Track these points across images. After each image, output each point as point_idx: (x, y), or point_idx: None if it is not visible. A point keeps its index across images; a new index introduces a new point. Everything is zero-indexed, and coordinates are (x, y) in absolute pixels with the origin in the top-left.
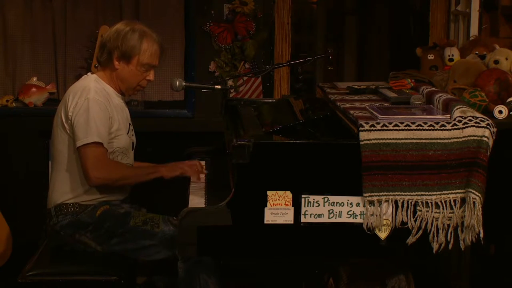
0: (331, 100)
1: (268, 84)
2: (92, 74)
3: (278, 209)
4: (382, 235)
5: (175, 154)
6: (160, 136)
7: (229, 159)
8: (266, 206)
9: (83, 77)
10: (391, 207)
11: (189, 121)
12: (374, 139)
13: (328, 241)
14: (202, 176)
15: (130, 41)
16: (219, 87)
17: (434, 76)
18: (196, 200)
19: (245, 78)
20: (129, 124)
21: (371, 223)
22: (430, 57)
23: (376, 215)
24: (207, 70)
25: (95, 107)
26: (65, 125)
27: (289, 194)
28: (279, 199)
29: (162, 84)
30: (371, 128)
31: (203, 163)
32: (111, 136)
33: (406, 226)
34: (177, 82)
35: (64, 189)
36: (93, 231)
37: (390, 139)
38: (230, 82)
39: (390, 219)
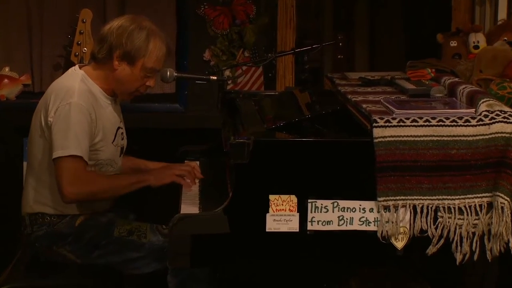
0: (341, 92)
1: (270, 75)
2: (77, 66)
3: (281, 216)
4: (399, 244)
5: (165, 153)
6: (148, 133)
7: (227, 159)
8: (268, 212)
9: (69, 71)
10: (408, 213)
11: (181, 117)
12: (389, 137)
13: (338, 251)
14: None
15: (136, 40)
16: (215, 78)
17: (457, 65)
18: (189, 206)
19: (244, 67)
20: (118, 128)
21: (387, 231)
22: (453, 44)
23: (392, 222)
24: (202, 59)
25: (77, 114)
26: (44, 128)
27: (293, 198)
28: (282, 204)
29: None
30: (386, 124)
31: (196, 164)
32: (95, 148)
33: (426, 234)
34: (168, 73)
35: (38, 197)
36: (73, 243)
37: (407, 136)
38: (227, 73)
39: (408, 227)
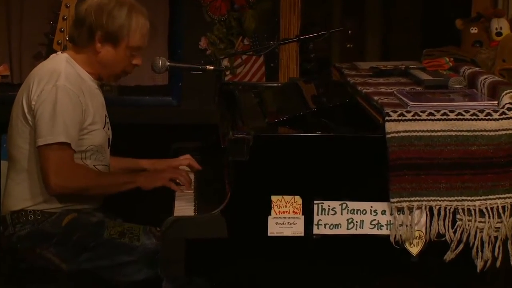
0: (350, 83)
1: (272, 65)
2: (59, 52)
3: (284, 218)
4: (414, 250)
5: (156, 151)
6: (138, 129)
7: (225, 156)
8: (270, 214)
9: (51, 56)
10: (424, 215)
11: (175, 111)
12: (403, 131)
13: (347, 257)
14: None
15: (117, 19)
16: (212, 67)
17: (478, 54)
18: (184, 207)
19: (243, 57)
20: (106, 116)
21: (400, 235)
22: (473, 30)
23: (407, 225)
24: (197, 48)
25: (64, 98)
26: (27, 116)
27: (298, 199)
28: (286, 206)
29: (141, 65)
30: (400, 118)
31: (189, 156)
32: (84, 132)
33: (444, 238)
34: (160, 62)
35: (23, 193)
36: (58, 245)
37: (423, 131)
38: (225, 62)
39: (424, 231)
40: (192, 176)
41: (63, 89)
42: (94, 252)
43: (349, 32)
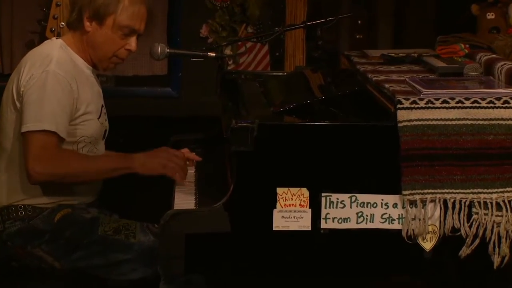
0: (360, 71)
1: (277, 54)
2: (54, 38)
3: (291, 212)
4: (427, 245)
5: (155, 144)
6: (136, 121)
7: (227, 147)
8: (275, 207)
9: (46, 41)
10: (438, 208)
11: (174, 102)
12: (416, 120)
13: (356, 253)
14: (191, 172)
15: None
16: (214, 54)
17: (495, 40)
18: (184, 201)
19: (247, 45)
20: (102, 106)
21: (413, 229)
22: (490, 16)
23: (419, 219)
24: (198, 36)
25: (54, 83)
26: (16, 102)
27: (305, 192)
28: (292, 199)
29: (139, 54)
30: (413, 106)
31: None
32: (76, 122)
33: (459, 233)
34: (159, 48)
35: (12, 186)
36: (50, 242)
37: (437, 119)
38: (228, 51)
39: (437, 225)
40: (192, 169)
41: (54, 75)
42: (87, 250)
43: (359, 22)
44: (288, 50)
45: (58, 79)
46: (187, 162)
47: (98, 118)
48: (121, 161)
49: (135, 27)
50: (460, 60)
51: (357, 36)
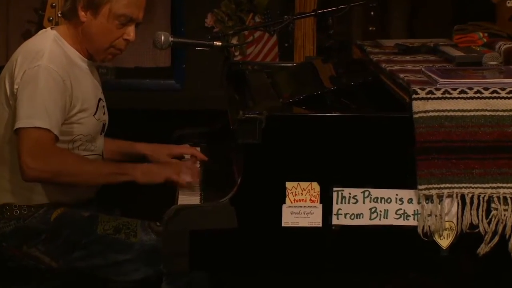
0: (373, 61)
1: (286, 45)
2: (49, 28)
3: (300, 207)
4: (444, 242)
5: (157, 138)
6: (138, 115)
7: (234, 140)
8: (284, 202)
9: (39, 32)
10: (455, 204)
11: (178, 95)
12: (432, 111)
13: (369, 251)
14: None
15: None
16: (220, 43)
17: None
18: (189, 196)
19: (255, 34)
20: (99, 100)
21: (429, 226)
22: (510, 4)
23: (436, 215)
24: (203, 25)
25: (47, 79)
26: (10, 99)
27: (316, 186)
28: (302, 193)
29: (141, 44)
30: (429, 96)
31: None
32: (70, 121)
33: (477, 230)
34: (162, 37)
35: (5, 185)
36: (47, 242)
37: (454, 110)
38: (234, 42)
39: (455, 221)
40: (197, 165)
41: (46, 70)
42: (86, 250)
43: (372, 14)
44: (298, 40)
45: (51, 74)
46: (192, 158)
47: (94, 115)
48: (121, 167)
49: (132, 16)
50: (478, 49)
51: (370, 28)
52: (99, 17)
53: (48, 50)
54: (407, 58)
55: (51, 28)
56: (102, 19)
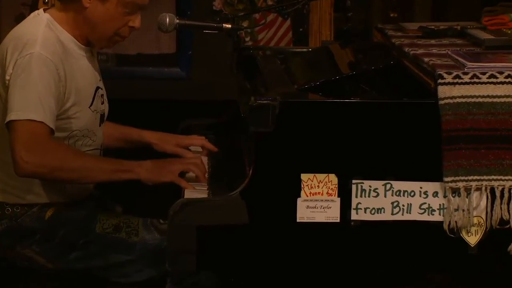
0: (395, 45)
1: (301, 30)
2: (41, 10)
3: (317, 201)
4: (472, 239)
5: (162, 131)
6: (140, 105)
7: (245, 128)
8: (299, 196)
9: (30, 16)
10: (485, 197)
11: (183, 84)
12: (459, 97)
13: (391, 248)
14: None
15: None
16: (229, 26)
17: None
18: (196, 189)
19: (267, 18)
20: (97, 89)
21: (456, 221)
22: None
23: (463, 210)
24: (211, 9)
25: (40, 68)
26: (1, 91)
27: (333, 178)
28: (318, 186)
29: (144, 29)
30: (456, 81)
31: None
32: (66, 115)
33: (508, 226)
34: (167, 19)
35: None
36: (42, 242)
37: (483, 96)
38: (245, 25)
39: (484, 216)
40: (205, 159)
41: (39, 58)
42: (84, 250)
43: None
44: (313, 25)
45: (44, 62)
46: (201, 150)
47: (89, 106)
48: (124, 163)
49: (141, 2)
50: (509, 32)
51: (391, 15)
52: (107, 4)
53: (41, 36)
54: (432, 42)
55: (44, 11)
56: (110, 6)
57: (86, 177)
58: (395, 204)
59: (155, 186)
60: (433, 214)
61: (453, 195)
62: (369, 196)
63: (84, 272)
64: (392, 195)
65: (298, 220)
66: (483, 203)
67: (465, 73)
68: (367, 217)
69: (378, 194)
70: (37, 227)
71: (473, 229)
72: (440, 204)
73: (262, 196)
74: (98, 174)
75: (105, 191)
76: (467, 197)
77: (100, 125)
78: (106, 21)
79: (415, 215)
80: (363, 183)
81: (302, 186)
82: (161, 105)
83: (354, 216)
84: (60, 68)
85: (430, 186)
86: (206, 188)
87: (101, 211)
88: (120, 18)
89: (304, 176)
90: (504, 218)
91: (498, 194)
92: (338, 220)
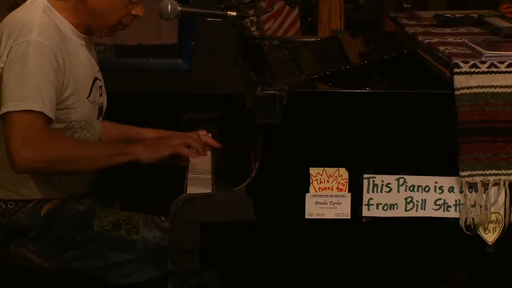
0: (409, 34)
1: (309, 19)
2: None
3: (326, 197)
4: (490, 237)
5: (164, 124)
6: (141, 98)
7: (251, 120)
8: (307, 191)
9: (27, 2)
10: (503, 193)
11: (186, 77)
12: (476, 87)
13: (404, 246)
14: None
15: None
16: (234, 13)
17: None
18: (199, 184)
19: (274, 6)
20: (95, 79)
21: (472, 218)
22: None
23: (480, 206)
24: None
25: (37, 55)
26: None
27: (344, 172)
28: (328, 181)
29: (144, 18)
30: (473, 70)
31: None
32: (64, 105)
33: None
34: (169, 6)
35: None
36: (37, 240)
37: (502, 86)
38: (251, 13)
39: (502, 213)
40: (208, 153)
41: (36, 45)
42: (82, 249)
43: None
44: (323, 15)
45: (42, 49)
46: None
47: (87, 97)
48: (120, 146)
49: None
50: None
51: (405, 5)
52: None
53: (38, 23)
54: (448, 30)
55: None
56: None
57: (86, 167)
58: (408, 199)
59: (155, 181)
60: (448, 211)
61: (470, 190)
62: (381, 192)
63: (82, 272)
64: (406, 191)
65: (306, 217)
66: (501, 198)
67: (483, 62)
68: (379, 213)
69: (390, 189)
70: (32, 224)
71: (490, 226)
72: (456, 200)
73: (269, 191)
74: (97, 162)
75: (104, 186)
76: (484, 193)
77: (98, 118)
78: (109, 9)
79: (429, 211)
80: (375, 177)
81: (310, 180)
82: (162, 98)
83: (365, 212)
84: (59, 56)
85: (446, 181)
86: (209, 168)
87: (99, 208)
88: (124, 6)
89: (313, 170)
90: None
91: None
92: (349, 217)
